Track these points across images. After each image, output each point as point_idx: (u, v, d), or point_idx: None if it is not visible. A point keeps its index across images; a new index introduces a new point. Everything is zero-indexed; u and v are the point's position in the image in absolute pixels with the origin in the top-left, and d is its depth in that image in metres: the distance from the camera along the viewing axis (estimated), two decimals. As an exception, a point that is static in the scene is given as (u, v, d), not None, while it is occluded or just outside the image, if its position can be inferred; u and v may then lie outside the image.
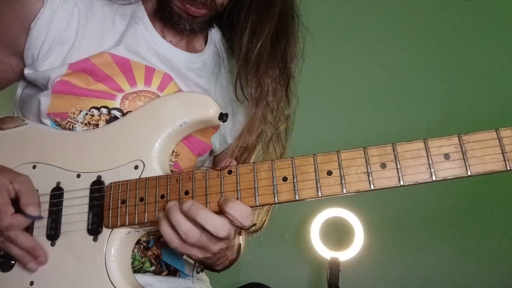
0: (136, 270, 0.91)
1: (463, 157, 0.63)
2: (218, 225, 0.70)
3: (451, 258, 2.06)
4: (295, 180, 0.70)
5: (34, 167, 0.88)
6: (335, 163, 0.69)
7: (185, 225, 0.71)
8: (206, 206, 0.74)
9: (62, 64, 0.91)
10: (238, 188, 0.73)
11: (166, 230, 0.73)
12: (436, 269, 2.06)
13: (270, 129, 0.95)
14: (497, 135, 0.62)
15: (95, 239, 0.81)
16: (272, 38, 0.92)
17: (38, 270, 0.82)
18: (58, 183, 0.86)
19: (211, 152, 1.06)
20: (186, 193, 0.76)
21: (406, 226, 2.11)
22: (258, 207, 0.80)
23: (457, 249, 2.07)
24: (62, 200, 0.85)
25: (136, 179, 0.80)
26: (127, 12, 0.99)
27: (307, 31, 0.99)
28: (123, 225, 0.79)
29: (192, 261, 0.97)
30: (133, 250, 0.89)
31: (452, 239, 2.09)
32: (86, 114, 0.91)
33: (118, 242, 0.80)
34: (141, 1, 1.00)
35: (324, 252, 1.94)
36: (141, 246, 0.93)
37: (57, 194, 0.85)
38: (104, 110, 0.92)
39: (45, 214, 0.85)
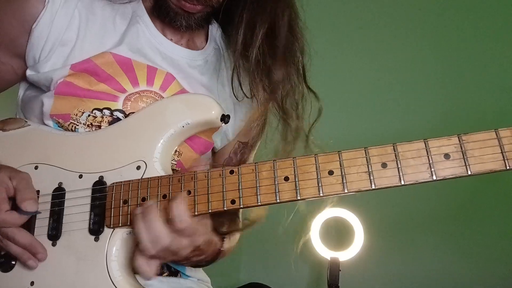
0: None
1: (463, 157, 0.63)
2: (181, 211, 0.72)
3: (451, 258, 2.07)
4: (296, 180, 0.71)
5: (36, 167, 0.89)
6: (336, 163, 0.69)
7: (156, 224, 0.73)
8: (208, 206, 0.75)
9: (64, 65, 0.92)
10: (240, 188, 0.74)
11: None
12: (436, 269, 2.06)
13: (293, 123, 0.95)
14: (496, 135, 0.62)
15: (96, 239, 0.81)
16: (272, 32, 0.93)
17: (39, 270, 0.82)
18: (60, 183, 0.87)
19: (212, 149, 1.07)
20: (188, 192, 0.76)
21: (406, 226, 2.11)
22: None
23: (457, 249, 2.08)
24: (64, 200, 0.85)
25: (138, 179, 0.81)
26: (127, 12, 0.99)
27: (306, 30, 0.99)
28: (124, 224, 0.79)
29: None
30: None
31: (452, 239, 2.09)
32: (89, 115, 0.92)
33: (120, 242, 0.80)
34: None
35: (324, 252, 1.95)
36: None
37: (59, 194, 0.86)
38: (107, 112, 0.92)
39: (47, 214, 0.85)
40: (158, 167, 0.83)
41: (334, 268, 1.84)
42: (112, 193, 0.82)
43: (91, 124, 0.92)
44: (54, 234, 0.83)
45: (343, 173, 0.69)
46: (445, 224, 2.10)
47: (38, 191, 0.86)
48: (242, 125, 1.07)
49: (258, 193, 0.72)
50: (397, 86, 2.24)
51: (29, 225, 0.84)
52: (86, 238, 0.81)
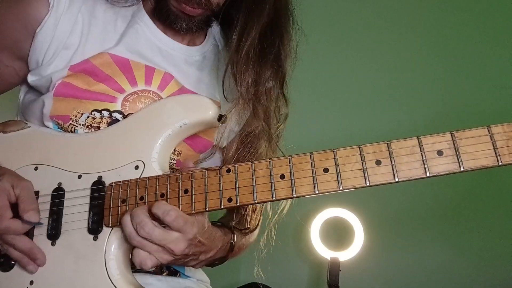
0: (136, 270, 0.91)
1: (456, 153, 0.64)
2: (165, 209, 0.74)
3: (451, 257, 2.07)
4: (292, 178, 0.72)
5: (36, 168, 0.90)
6: (331, 160, 0.70)
7: (141, 217, 0.75)
8: (205, 204, 0.76)
9: (65, 67, 0.92)
10: (237, 186, 0.75)
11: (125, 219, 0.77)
12: (436, 269, 2.06)
13: (265, 130, 0.97)
14: (489, 132, 0.63)
15: (95, 238, 0.82)
16: (263, 36, 0.94)
17: (38, 269, 0.83)
18: (60, 183, 0.88)
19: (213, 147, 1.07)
20: (186, 191, 0.77)
21: (406, 226, 2.11)
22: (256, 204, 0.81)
23: (457, 249, 2.08)
24: (63, 200, 0.86)
25: (137, 179, 0.82)
26: (127, 14, 1.00)
27: (301, 31, 1.00)
28: (123, 224, 0.80)
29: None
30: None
31: (452, 238, 2.09)
32: (88, 116, 0.92)
33: (118, 241, 0.81)
34: (141, 2, 1.02)
35: (324, 252, 1.95)
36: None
37: (58, 194, 0.87)
38: (106, 113, 0.93)
39: (46, 214, 0.86)
40: (156, 167, 0.83)
41: (334, 268, 1.84)
42: (111, 193, 0.82)
43: (90, 125, 0.92)
44: (54, 233, 0.84)
45: (338, 171, 0.69)
46: (445, 224, 2.10)
47: (37, 192, 0.87)
48: (246, 116, 1.07)
49: (255, 191, 0.73)
50: (392, 85, 2.24)
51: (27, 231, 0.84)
52: (85, 237, 0.82)
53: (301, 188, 0.71)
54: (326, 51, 2.20)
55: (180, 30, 0.97)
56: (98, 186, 0.84)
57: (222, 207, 0.75)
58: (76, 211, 0.85)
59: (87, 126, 0.92)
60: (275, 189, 0.72)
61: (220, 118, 0.86)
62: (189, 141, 0.97)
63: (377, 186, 0.67)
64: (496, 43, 2.15)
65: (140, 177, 0.82)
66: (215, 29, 1.10)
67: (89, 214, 0.83)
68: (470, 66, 2.16)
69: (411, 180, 0.65)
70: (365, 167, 0.68)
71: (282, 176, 0.72)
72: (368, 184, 0.67)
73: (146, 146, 0.85)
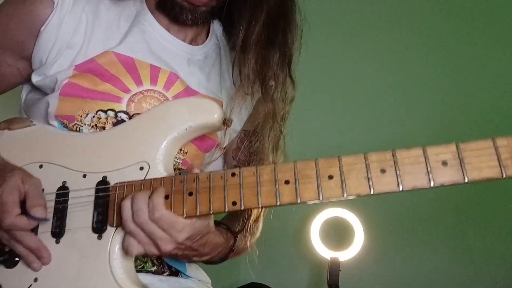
0: (138, 270, 0.92)
1: (461, 164, 0.64)
2: (154, 204, 0.75)
3: (451, 257, 2.07)
4: (297, 184, 0.72)
5: (40, 166, 0.90)
6: (336, 167, 0.70)
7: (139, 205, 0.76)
8: (210, 207, 0.76)
9: (69, 66, 0.93)
10: (241, 190, 0.75)
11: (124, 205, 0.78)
12: (436, 269, 2.07)
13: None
14: (493, 144, 0.63)
15: (99, 237, 0.82)
16: (271, 22, 0.94)
17: (42, 267, 0.83)
18: (64, 182, 0.88)
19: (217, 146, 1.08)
20: (190, 194, 0.78)
21: (406, 226, 2.11)
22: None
23: (457, 249, 2.08)
24: (68, 199, 0.86)
25: (141, 180, 0.82)
26: (131, 13, 1.00)
27: (305, 19, 1.01)
28: (127, 224, 0.80)
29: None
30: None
31: (452, 238, 2.10)
32: (93, 116, 0.93)
33: (122, 241, 0.81)
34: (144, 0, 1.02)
35: (324, 252, 1.95)
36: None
37: (62, 193, 0.87)
38: (111, 113, 0.93)
39: (51, 212, 0.86)
40: (161, 168, 0.84)
41: (334, 268, 1.85)
42: (115, 193, 0.83)
43: (96, 125, 0.93)
44: (58, 231, 0.85)
45: (343, 178, 0.69)
46: (445, 224, 2.11)
47: (42, 190, 0.87)
48: (247, 115, 1.08)
49: (259, 195, 0.74)
50: (397, 89, 2.24)
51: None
52: (89, 236, 0.83)
53: (305, 194, 0.71)
54: (332, 57, 2.21)
55: (186, 21, 0.97)
56: (102, 186, 0.85)
57: (227, 210, 0.75)
58: (81, 210, 0.85)
59: (92, 126, 0.93)
60: (279, 194, 0.72)
61: (225, 121, 0.86)
62: (195, 140, 0.97)
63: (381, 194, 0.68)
64: (503, 44, 2.14)
65: (144, 178, 0.83)
66: (217, 28, 1.10)
67: (93, 213, 0.83)
68: (478, 70, 2.15)
69: (415, 189, 0.66)
70: (370, 176, 0.68)
71: (287, 181, 0.72)
72: (372, 193, 0.67)
73: (151, 147, 0.86)
